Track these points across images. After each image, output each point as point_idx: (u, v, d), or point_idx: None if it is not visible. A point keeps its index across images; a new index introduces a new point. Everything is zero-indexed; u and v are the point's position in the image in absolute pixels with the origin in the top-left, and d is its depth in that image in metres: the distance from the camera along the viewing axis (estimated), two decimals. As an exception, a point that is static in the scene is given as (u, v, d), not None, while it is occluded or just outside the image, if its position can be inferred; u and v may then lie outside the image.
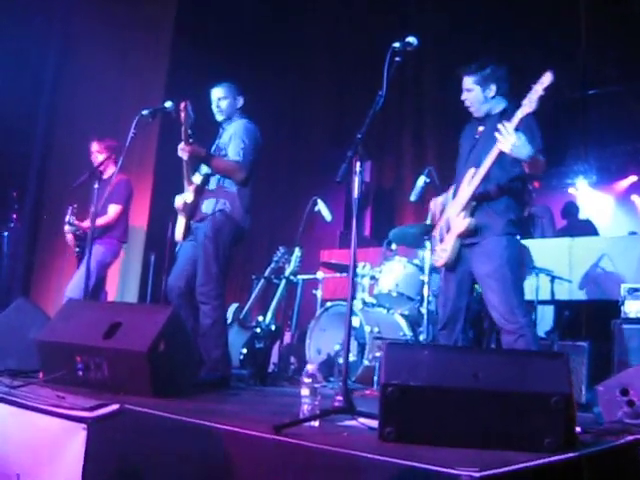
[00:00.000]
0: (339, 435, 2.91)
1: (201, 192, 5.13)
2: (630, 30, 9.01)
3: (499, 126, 4.04)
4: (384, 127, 10.11)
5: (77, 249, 6.40)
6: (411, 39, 3.61)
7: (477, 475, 2.17)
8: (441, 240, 4.52)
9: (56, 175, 8.65)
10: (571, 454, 2.65)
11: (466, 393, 2.72)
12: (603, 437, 3.21)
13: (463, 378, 2.75)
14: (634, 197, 12.24)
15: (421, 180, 5.69)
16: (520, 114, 4.01)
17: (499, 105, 4.50)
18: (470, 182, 4.33)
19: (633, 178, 11.92)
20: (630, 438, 3.17)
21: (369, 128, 3.40)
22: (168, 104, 5.15)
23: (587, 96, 10.18)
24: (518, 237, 4.45)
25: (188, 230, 5.15)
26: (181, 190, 5.23)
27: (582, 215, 9.52)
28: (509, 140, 3.98)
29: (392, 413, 2.73)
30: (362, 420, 3.15)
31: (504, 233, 4.32)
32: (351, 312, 3.17)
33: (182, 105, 4.93)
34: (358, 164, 3.30)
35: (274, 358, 6.42)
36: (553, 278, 6.61)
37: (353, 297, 3.22)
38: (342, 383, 3.20)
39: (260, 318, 6.29)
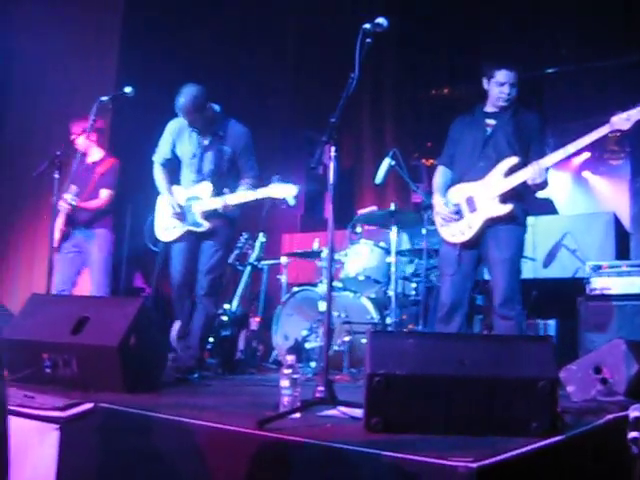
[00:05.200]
0: (323, 427, 2.86)
1: None
2: (584, 10, 9.08)
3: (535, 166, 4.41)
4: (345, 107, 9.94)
5: (63, 228, 5.97)
6: (381, 20, 3.53)
7: (473, 465, 2.14)
8: (460, 217, 4.67)
9: (10, 165, 8.39)
10: (558, 437, 2.64)
11: (452, 380, 2.69)
12: (583, 417, 3.21)
13: (449, 365, 2.71)
14: (586, 174, 12.38)
15: (386, 162, 5.66)
16: (607, 129, 4.22)
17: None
18: (509, 171, 4.52)
19: (586, 155, 12.03)
20: (610, 417, 3.18)
21: (342, 112, 3.33)
22: (128, 89, 5.02)
23: (543, 75, 10.24)
24: None
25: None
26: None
27: (540, 193, 9.56)
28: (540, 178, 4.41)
29: (378, 403, 2.69)
30: (343, 409, 3.11)
31: (523, 223, 4.66)
32: (330, 300, 3.11)
33: None
34: (333, 149, 3.24)
35: (240, 345, 6.34)
36: (517, 257, 6.63)
37: (331, 285, 3.16)
38: (323, 373, 3.14)
39: (226, 306, 6.20)
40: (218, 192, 5.02)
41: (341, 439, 2.51)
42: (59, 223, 5.89)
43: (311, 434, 2.60)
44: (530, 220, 5.06)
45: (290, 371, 3.10)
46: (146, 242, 5.60)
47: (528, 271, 6.71)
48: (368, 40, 3.48)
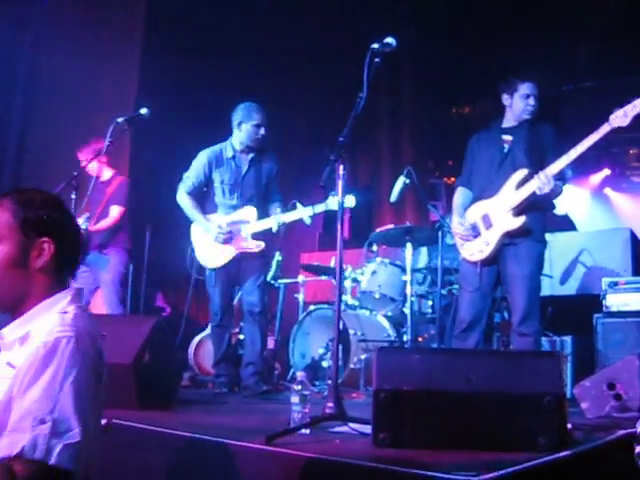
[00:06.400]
0: (332, 443, 2.88)
1: None
2: (602, 26, 9.05)
3: (541, 175, 4.39)
4: (357, 126, 9.89)
5: None
6: (390, 40, 3.58)
7: (475, 479, 2.16)
8: (476, 235, 4.68)
9: (30, 183, 8.48)
10: (565, 452, 2.64)
11: (459, 396, 2.70)
12: (594, 433, 3.20)
13: (455, 381, 2.72)
14: (607, 191, 12.29)
15: (400, 181, 5.66)
16: (607, 128, 4.22)
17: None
18: (520, 183, 4.54)
19: (606, 172, 11.95)
20: (622, 432, 3.17)
21: (351, 131, 3.37)
22: (144, 111, 5.10)
23: (560, 92, 10.20)
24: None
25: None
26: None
27: (559, 210, 9.51)
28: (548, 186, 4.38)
29: (385, 418, 2.70)
30: (353, 426, 3.12)
31: (542, 239, 4.66)
32: (339, 318, 3.13)
33: None
34: (341, 167, 3.28)
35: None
36: (534, 274, 6.59)
37: (340, 301, 3.19)
38: (332, 389, 3.16)
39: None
40: (261, 214, 5.28)
41: (349, 454, 2.53)
42: None
43: (319, 449, 2.62)
44: (547, 237, 5.11)
45: (300, 387, 3.13)
46: (192, 274, 5.64)
47: (545, 288, 6.61)
48: (376, 60, 3.53)
